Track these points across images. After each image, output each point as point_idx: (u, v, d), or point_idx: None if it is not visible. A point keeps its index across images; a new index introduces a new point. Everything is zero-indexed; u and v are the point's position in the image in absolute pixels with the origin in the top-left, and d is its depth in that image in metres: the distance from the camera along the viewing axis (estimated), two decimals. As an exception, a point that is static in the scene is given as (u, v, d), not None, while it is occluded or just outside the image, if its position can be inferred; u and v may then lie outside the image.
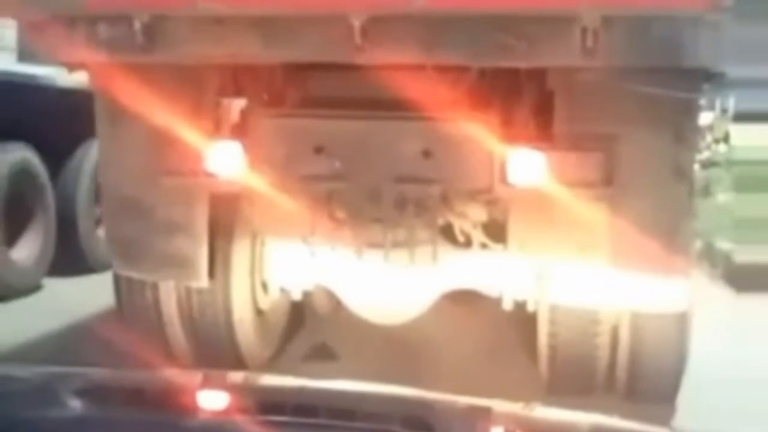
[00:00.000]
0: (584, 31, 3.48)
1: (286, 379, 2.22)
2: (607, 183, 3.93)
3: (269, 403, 1.79)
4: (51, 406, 1.74)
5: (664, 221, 3.99)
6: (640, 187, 3.95)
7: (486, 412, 1.88)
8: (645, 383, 4.41)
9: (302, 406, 1.73)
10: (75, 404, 1.82)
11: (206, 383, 2.02)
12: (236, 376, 2.49)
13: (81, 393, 1.82)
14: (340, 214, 4.23)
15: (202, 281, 4.37)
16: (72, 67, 4.22)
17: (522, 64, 3.79)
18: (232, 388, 1.97)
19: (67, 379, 1.98)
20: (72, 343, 5.52)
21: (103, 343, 4.34)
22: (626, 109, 3.88)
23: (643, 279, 3.99)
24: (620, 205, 3.94)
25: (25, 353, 5.17)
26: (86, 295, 6.30)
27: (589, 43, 3.49)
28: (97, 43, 3.77)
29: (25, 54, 6.09)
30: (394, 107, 4.00)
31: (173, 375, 2.40)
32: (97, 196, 7.01)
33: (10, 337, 5.35)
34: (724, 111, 10.90)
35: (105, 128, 4.37)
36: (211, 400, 1.87)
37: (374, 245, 4.25)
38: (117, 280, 4.69)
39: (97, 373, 2.05)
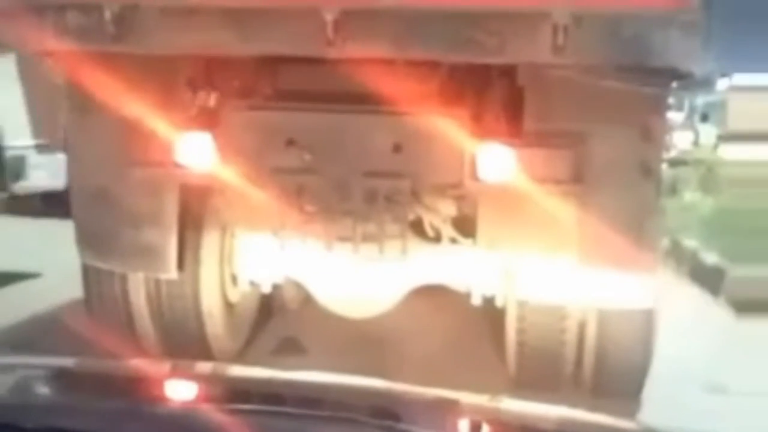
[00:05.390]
0: (555, 28, 3.50)
1: (254, 370, 2.23)
2: (576, 180, 3.96)
3: (236, 392, 1.80)
4: (20, 393, 1.73)
5: (631, 219, 4.03)
6: (608, 185, 3.98)
7: (453, 404, 1.90)
8: (611, 378, 4.45)
9: (269, 394, 1.74)
10: (43, 392, 1.82)
11: (174, 372, 2.02)
12: (204, 366, 2.49)
13: (49, 381, 1.82)
14: (310, 208, 4.24)
15: (171, 273, 4.35)
16: (41, 56, 4.18)
17: (493, 61, 3.80)
18: (199, 378, 1.97)
19: (34, 367, 1.97)
20: (39, 333, 5.47)
21: (70, 334, 4.33)
22: (595, 107, 3.90)
23: (610, 276, 4.03)
24: (588, 202, 3.97)
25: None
26: (52, 287, 6.26)
27: (560, 40, 3.51)
28: (66, 31, 3.74)
29: None
30: (365, 101, 4.00)
31: (141, 364, 2.40)
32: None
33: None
34: (692, 111, 11.01)
35: (74, 118, 4.34)
36: (179, 389, 1.87)
37: (344, 239, 4.25)
38: (85, 271, 4.66)
39: (65, 362, 2.05)
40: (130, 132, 4.03)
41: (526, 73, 3.93)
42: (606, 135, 3.94)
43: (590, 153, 3.94)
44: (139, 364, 2.44)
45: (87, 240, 4.45)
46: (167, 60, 3.99)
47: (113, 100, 3.95)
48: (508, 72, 4.01)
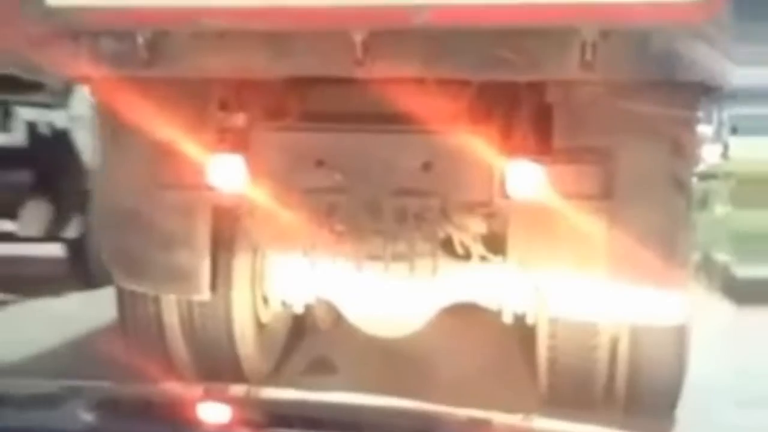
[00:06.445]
0: (583, 44, 3.51)
1: (289, 392, 2.24)
2: (606, 196, 3.95)
3: (274, 416, 1.81)
4: (59, 418, 1.75)
5: (662, 234, 4.01)
6: (638, 200, 3.97)
7: (486, 424, 1.90)
8: (644, 396, 4.42)
9: (307, 418, 1.75)
10: (80, 417, 1.84)
11: (208, 395, 2.03)
12: (239, 389, 2.51)
13: (86, 406, 1.84)
14: (341, 227, 4.25)
15: (204, 294, 4.38)
16: (74, 81, 4.24)
17: (521, 78, 3.81)
18: (236, 401, 1.98)
19: (70, 391, 1.99)
20: (73, 355, 5.52)
21: (105, 356, 4.36)
22: (624, 123, 3.90)
23: (641, 292, 4.01)
24: (619, 217, 3.95)
25: (27, 366, 5.17)
26: (88, 308, 6.31)
27: (588, 56, 3.52)
28: (100, 57, 3.80)
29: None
30: (394, 121, 4.02)
31: (175, 388, 2.41)
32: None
33: (11, 350, 5.35)
34: (721, 124, 10.92)
35: (107, 142, 4.39)
36: (213, 413, 1.88)
37: (374, 258, 4.26)
38: (119, 293, 4.71)
39: (103, 387, 2.06)
40: (162, 154, 4.07)
41: (555, 90, 3.93)
42: (636, 150, 3.93)
43: (620, 168, 3.93)
44: (173, 387, 2.46)
45: (119, 262, 4.49)
46: (198, 83, 4.03)
47: (145, 123, 3.99)
48: (537, 89, 4.01)
